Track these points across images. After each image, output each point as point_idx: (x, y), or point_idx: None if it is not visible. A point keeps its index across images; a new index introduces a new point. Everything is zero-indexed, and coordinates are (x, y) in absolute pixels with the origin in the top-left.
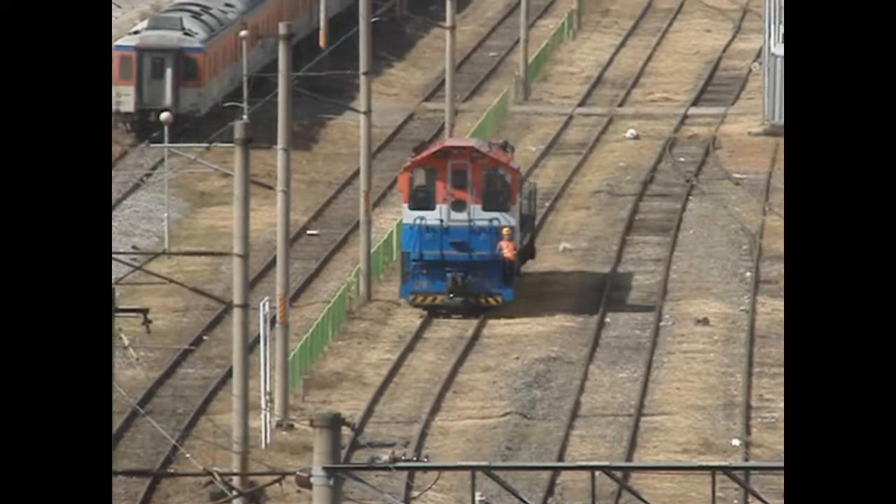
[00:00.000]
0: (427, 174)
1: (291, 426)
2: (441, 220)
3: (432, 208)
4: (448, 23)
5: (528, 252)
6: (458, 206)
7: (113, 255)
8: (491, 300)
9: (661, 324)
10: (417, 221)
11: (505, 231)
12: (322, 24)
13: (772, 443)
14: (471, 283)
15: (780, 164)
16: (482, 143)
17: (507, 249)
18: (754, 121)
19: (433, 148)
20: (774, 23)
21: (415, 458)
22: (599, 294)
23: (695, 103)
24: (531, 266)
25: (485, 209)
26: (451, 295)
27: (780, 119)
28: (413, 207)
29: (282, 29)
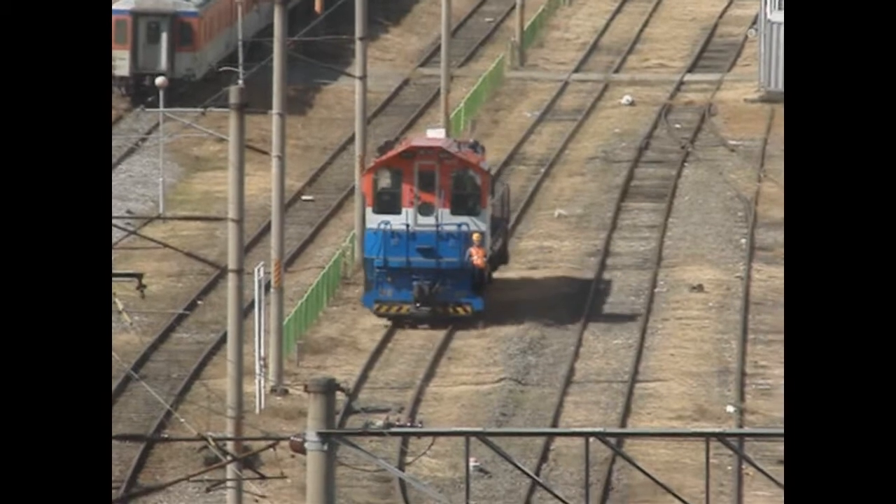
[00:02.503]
0: (392, 176)
1: (286, 391)
2: (407, 225)
3: (398, 212)
4: None
5: (500, 258)
6: (426, 209)
7: None
8: (460, 310)
9: (656, 290)
10: (382, 226)
11: (475, 237)
12: None
13: (766, 409)
14: (438, 291)
15: (776, 131)
16: (451, 142)
17: (476, 256)
18: (750, 87)
19: (399, 148)
20: None
21: (409, 424)
22: (594, 261)
23: (691, 70)
24: (527, 232)
25: (454, 213)
26: (418, 304)
27: (776, 86)
28: (377, 211)
29: None
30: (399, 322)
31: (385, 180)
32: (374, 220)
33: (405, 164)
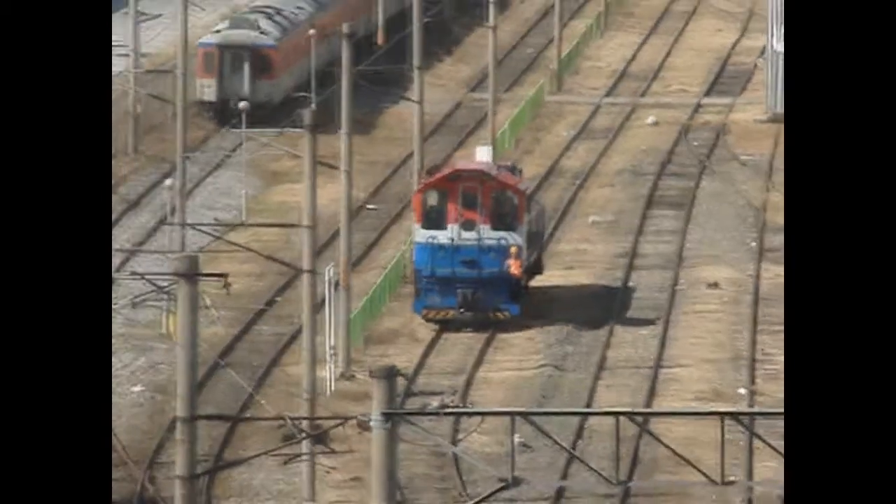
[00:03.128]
0: (439, 196)
1: (353, 377)
2: (452, 239)
3: (444, 228)
4: (491, 23)
5: (535, 268)
6: (469, 225)
7: (197, 226)
8: (499, 315)
9: (677, 287)
10: (430, 240)
11: (513, 250)
12: (380, 23)
13: (773, 391)
14: (480, 298)
15: (782, 148)
16: (491, 166)
17: (514, 267)
18: (759, 109)
19: (445, 171)
20: (776, 23)
21: (461, 405)
22: (623, 262)
23: (707, 94)
24: (564, 236)
25: (494, 229)
26: (462, 310)
27: (781, 108)
28: (426, 227)
29: (345, 28)
30: (445, 326)
31: (432, 200)
32: (423, 235)
33: (450, 186)
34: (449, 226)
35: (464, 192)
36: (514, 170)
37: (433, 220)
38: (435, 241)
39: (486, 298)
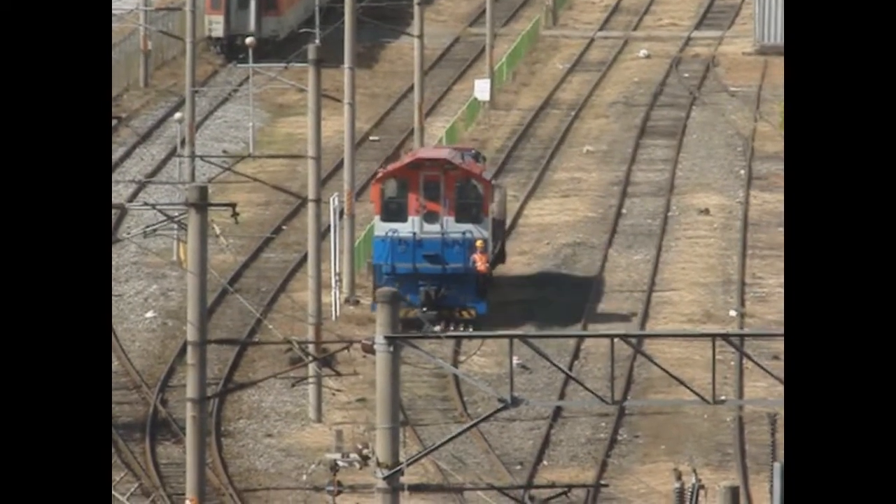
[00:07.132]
0: (399, 186)
1: (357, 302)
2: (414, 233)
3: (405, 220)
4: None
5: (499, 258)
6: (431, 218)
7: (206, 158)
8: (465, 313)
9: (669, 214)
10: (389, 234)
11: (478, 244)
12: None
13: (762, 313)
14: (444, 296)
15: (769, 79)
16: (455, 153)
17: (480, 262)
18: (747, 42)
19: (406, 159)
20: None
21: (461, 329)
22: (617, 189)
23: (697, 27)
24: (560, 165)
25: (458, 221)
26: (425, 308)
27: (768, 41)
28: (385, 219)
29: None
30: (407, 324)
31: (392, 190)
32: (382, 228)
33: (411, 175)
34: (410, 218)
35: (425, 181)
36: (477, 157)
37: (393, 211)
38: (395, 235)
39: (450, 296)
